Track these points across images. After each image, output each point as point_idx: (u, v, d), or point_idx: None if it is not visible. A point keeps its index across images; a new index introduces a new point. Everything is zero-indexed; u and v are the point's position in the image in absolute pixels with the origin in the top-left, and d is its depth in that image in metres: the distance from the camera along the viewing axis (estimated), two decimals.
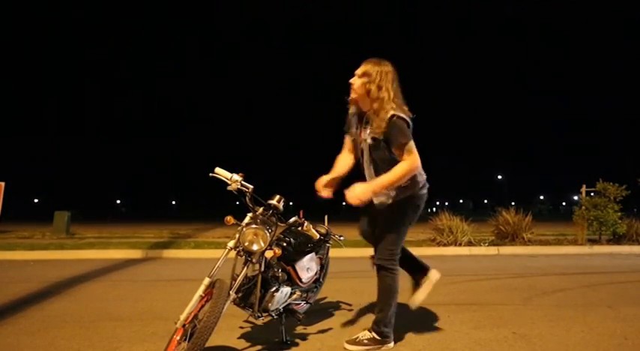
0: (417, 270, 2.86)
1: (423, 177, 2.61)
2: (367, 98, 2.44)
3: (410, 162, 2.40)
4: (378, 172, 2.52)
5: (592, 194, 9.59)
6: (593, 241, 8.97)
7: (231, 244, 2.36)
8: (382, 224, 2.60)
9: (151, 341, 2.75)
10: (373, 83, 2.41)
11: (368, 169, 2.58)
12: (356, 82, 2.48)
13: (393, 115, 2.38)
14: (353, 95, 2.52)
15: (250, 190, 2.43)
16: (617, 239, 9.02)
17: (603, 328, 3.06)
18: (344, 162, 2.72)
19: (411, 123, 2.45)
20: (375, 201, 2.54)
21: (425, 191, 2.63)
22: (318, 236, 2.74)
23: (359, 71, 2.48)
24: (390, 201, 2.53)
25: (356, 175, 2.69)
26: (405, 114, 2.43)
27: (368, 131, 2.49)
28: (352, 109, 2.64)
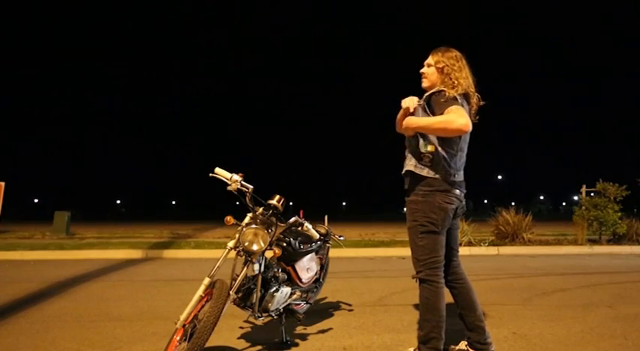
0: (471, 326, 2.42)
1: (455, 171, 2.32)
2: (445, 81, 2.36)
3: (452, 116, 2.14)
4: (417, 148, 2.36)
5: (592, 194, 9.59)
6: (593, 242, 8.97)
7: (231, 244, 2.36)
8: (407, 227, 2.36)
9: (150, 341, 2.75)
10: (443, 71, 2.36)
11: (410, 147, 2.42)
12: (427, 70, 2.44)
13: (441, 90, 2.29)
14: (426, 84, 2.45)
15: (250, 190, 2.43)
16: (617, 239, 9.02)
17: (603, 328, 3.06)
18: None
19: (462, 102, 2.28)
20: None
21: (457, 192, 2.32)
22: (318, 236, 2.74)
23: (430, 61, 2.44)
24: (406, 168, 2.34)
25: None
26: (458, 95, 2.27)
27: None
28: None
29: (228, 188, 2.43)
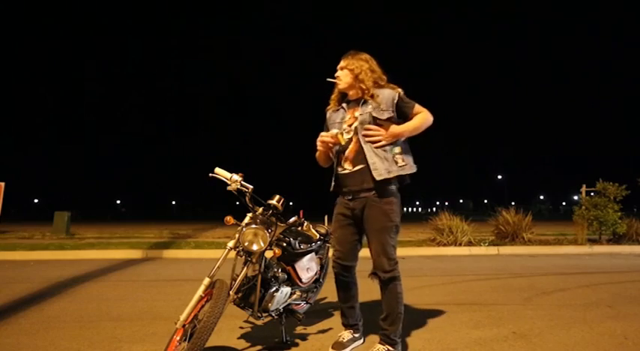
0: (357, 317, 2.73)
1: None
2: (357, 83, 2.49)
3: (427, 113, 2.45)
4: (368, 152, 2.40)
5: (592, 194, 9.59)
6: (593, 241, 8.97)
7: (231, 244, 2.36)
8: (377, 229, 2.38)
9: (151, 341, 2.75)
10: (362, 69, 2.48)
11: (354, 150, 2.45)
12: (341, 73, 2.54)
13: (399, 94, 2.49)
14: (341, 85, 2.54)
15: (250, 190, 2.43)
16: (617, 239, 9.02)
17: (603, 327, 3.06)
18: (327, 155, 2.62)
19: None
20: (376, 175, 2.34)
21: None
22: (318, 236, 2.73)
23: (342, 64, 2.55)
24: (390, 175, 2.35)
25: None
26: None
27: (370, 107, 2.44)
28: (333, 105, 2.65)
29: (228, 188, 2.43)
